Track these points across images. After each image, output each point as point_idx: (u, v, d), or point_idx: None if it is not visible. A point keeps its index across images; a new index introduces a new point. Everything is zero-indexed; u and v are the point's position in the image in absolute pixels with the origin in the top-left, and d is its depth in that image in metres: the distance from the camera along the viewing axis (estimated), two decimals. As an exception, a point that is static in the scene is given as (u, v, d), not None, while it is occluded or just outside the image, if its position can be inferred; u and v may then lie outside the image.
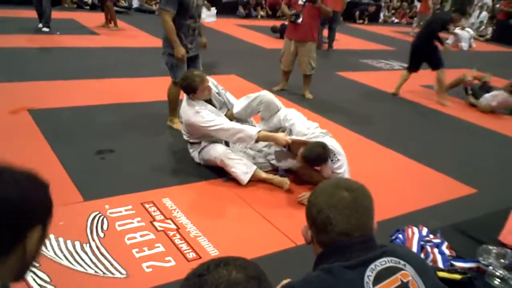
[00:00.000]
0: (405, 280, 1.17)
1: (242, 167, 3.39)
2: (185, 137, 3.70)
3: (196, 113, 3.42)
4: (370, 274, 1.16)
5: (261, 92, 3.81)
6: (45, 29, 7.97)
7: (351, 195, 1.24)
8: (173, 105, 4.36)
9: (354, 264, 1.17)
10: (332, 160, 3.33)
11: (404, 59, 9.72)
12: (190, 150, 3.72)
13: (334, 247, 1.23)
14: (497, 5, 14.75)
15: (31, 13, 7.99)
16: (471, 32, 13.39)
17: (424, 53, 6.47)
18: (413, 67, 6.64)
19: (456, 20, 6.77)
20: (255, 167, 3.44)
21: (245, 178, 3.38)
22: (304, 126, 3.52)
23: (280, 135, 3.39)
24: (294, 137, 3.42)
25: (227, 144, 3.63)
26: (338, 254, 1.21)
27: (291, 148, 3.57)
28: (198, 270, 0.92)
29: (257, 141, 3.38)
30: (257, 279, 0.91)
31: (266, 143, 3.62)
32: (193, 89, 3.46)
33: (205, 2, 6.87)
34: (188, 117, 3.47)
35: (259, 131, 3.38)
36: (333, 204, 1.23)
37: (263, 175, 3.48)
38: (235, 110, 3.76)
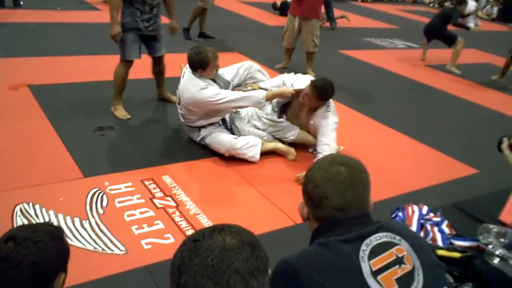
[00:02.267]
0: (400, 255, 1.18)
1: (251, 151, 3.42)
2: (183, 119, 3.60)
3: (201, 89, 3.31)
4: (365, 248, 1.16)
5: (244, 61, 3.90)
6: (21, 2, 7.73)
7: (347, 170, 1.24)
8: (118, 88, 3.96)
9: (350, 238, 1.18)
10: (328, 106, 3.48)
11: (407, 37, 9.64)
12: (189, 133, 3.68)
13: (330, 222, 1.23)
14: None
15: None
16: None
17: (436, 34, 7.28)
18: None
19: (462, 11, 7.30)
20: (260, 141, 3.48)
21: (255, 158, 3.44)
22: (303, 80, 3.70)
23: (285, 88, 3.55)
24: (296, 87, 3.58)
25: (226, 127, 3.64)
26: (334, 228, 1.21)
27: (293, 102, 3.68)
28: (193, 236, 0.95)
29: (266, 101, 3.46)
30: (251, 245, 0.92)
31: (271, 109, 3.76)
32: (205, 64, 3.34)
33: None
34: (192, 94, 3.34)
35: (265, 92, 3.41)
36: (329, 179, 1.23)
37: (269, 146, 3.56)
38: (227, 78, 3.77)
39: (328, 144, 3.35)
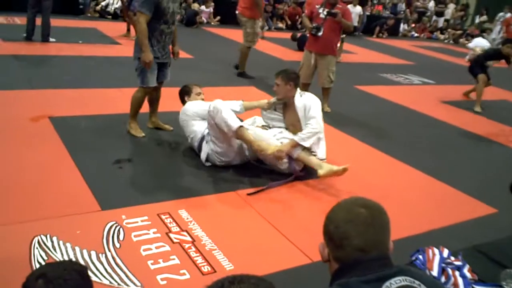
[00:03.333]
0: None
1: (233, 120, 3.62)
2: (191, 140, 3.97)
3: (195, 104, 4.00)
4: None
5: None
6: (52, 39, 7.82)
7: (368, 212, 1.25)
8: (134, 111, 4.25)
9: (370, 280, 1.18)
10: (302, 94, 3.91)
11: (422, 73, 9.70)
12: (200, 151, 3.87)
13: (350, 263, 1.23)
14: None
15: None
16: (486, 44, 13.04)
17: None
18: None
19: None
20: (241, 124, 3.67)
21: (234, 124, 3.58)
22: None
23: (262, 101, 4.10)
24: (272, 100, 4.03)
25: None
26: (354, 270, 1.21)
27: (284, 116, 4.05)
28: (212, 287, 0.93)
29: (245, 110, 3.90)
30: None
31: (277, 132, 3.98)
32: (187, 91, 4.20)
33: None
34: (187, 109, 3.96)
35: (242, 103, 3.87)
36: (350, 219, 1.24)
37: (250, 136, 3.66)
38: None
39: (314, 116, 3.74)
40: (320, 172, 3.67)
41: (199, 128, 3.89)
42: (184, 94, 4.21)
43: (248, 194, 3.42)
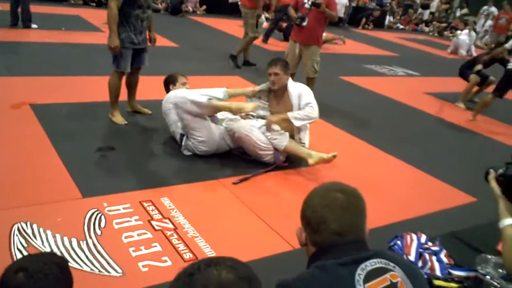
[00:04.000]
0: (394, 281, 1.20)
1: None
2: (174, 128, 3.93)
3: (176, 91, 3.85)
4: (360, 272, 1.19)
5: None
6: (34, 25, 7.73)
7: (344, 196, 1.28)
8: (113, 96, 4.23)
9: (346, 262, 1.20)
10: (293, 82, 3.93)
11: (407, 65, 9.77)
12: (182, 144, 3.84)
13: (327, 246, 1.26)
14: (501, 20, 14.62)
15: (32, 8, 7.93)
16: (468, 37, 13.11)
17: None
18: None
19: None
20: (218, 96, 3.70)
21: (205, 102, 3.62)
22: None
23: (248, 89, 4.12)
24: (257, 88, 4.06)
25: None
26: (330, 252, 1.24)
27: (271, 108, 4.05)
28: (188, 269, 0.92)
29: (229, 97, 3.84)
30: (247, 280, 0.91)
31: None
32: (172, 80, 4.14)
33: None
34: (170, 98, 3.83)
35: (225, 89, 3.78)
36: (326, 204, 1.27)
37: (225, 103, 3.74)
38: None
39: (309, 103, 3.76)
40: (311, 161, 3.70)
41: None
42: (170, 83, 4.19)
43: (234, 183, 3.43)
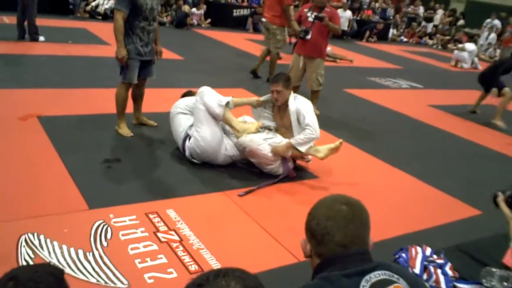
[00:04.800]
0: None
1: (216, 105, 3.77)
2: (178, 133, 4.01)
3: (187, 99, 4.13)
4: (365, 284, 1.19)
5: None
6: (41, 38, 7.83)
7: (349, 208, 1.29)
8: (120, 108, 4.29)
9: (350, 273, 1.21)
10: (295, 97, 3.89)
11: (411, 78, 9.81)
12: (184, 149, 3.91)
13: (331, 258, 1.27)
14: (506, 33, 14.72)
15: (39, 21, 8.04)
16: (472, 50, 13.12)
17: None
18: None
19: None
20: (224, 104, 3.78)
21: (219, 110, 3.73)
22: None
23: (252, 98, 4.15)
24: (262, 98, 4.06)
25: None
26: (335, 264, 1.25)
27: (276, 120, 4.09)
28: (197, 280, 0.94)
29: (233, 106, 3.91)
30: None
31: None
32: (190, 96, 4.25)
33: None
34: (179, 103, 4.12)
35: (231, 98, 3.86)
36: (331, 216, 1.28)
37: (232, 118, 3.81)
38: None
39: (309, 124, 3.72)
40: (320, 155, 3.79)
41: (185, 122, 3.97)
42: (187, 97, 4.30)
43: (239, 195, 3.44)
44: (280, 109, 3.99)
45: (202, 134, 3.77)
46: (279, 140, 3.83)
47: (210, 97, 3.79)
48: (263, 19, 7.63)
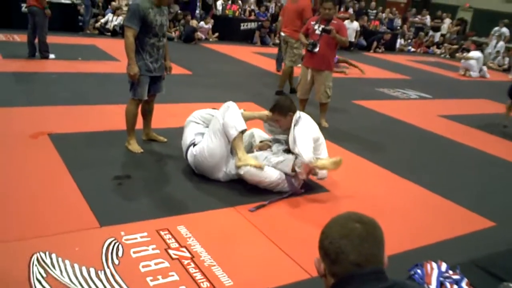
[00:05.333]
0: None
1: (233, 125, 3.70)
2: (187, 140, 4.03)
3: (203, 110, 4.19)
4: None
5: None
6: (52, 56, 7.92)
7: (362, 227, 1.27)
8: (130, 124, 4.30)
9: None
10: (296, 122, 3.74)
11: (419, 88, 9.77)
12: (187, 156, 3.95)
13: (346, 278, 1.25)
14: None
15: (50, 39, 8.14)
16: (478, 57, 13.04)
17: None
18: None
19: None
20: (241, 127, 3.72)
21: (233, 132, 3.68)
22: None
23: (263, 112, 4.07)
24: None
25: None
26: (350, 284, 1.23)
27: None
28: None
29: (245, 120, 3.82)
30: None
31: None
32: None
33: None
34: (195, 112, 4.17)
35: (242, 112, 3.83)
36: (345, 235, 1.26)
37: (240, 146, 3.72)
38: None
39: (297, 154, 3.61)
40: (319, 163, 3.69)
41: (193, 129, 4.03)
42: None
43: (250, 210, 3.43)
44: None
45: (212, 146, 3.77)
46: (282, 159, 3.76)
47: (232, 116, 3.72)
48: (282, 34, 7.75)
